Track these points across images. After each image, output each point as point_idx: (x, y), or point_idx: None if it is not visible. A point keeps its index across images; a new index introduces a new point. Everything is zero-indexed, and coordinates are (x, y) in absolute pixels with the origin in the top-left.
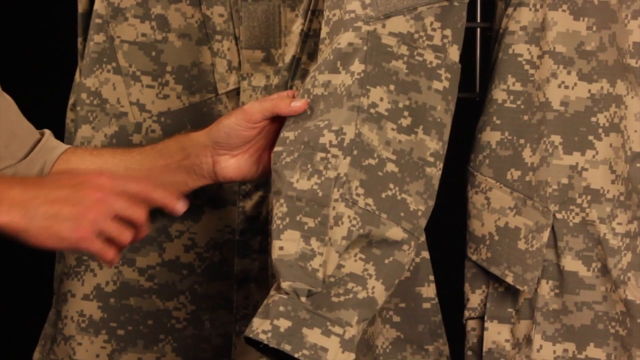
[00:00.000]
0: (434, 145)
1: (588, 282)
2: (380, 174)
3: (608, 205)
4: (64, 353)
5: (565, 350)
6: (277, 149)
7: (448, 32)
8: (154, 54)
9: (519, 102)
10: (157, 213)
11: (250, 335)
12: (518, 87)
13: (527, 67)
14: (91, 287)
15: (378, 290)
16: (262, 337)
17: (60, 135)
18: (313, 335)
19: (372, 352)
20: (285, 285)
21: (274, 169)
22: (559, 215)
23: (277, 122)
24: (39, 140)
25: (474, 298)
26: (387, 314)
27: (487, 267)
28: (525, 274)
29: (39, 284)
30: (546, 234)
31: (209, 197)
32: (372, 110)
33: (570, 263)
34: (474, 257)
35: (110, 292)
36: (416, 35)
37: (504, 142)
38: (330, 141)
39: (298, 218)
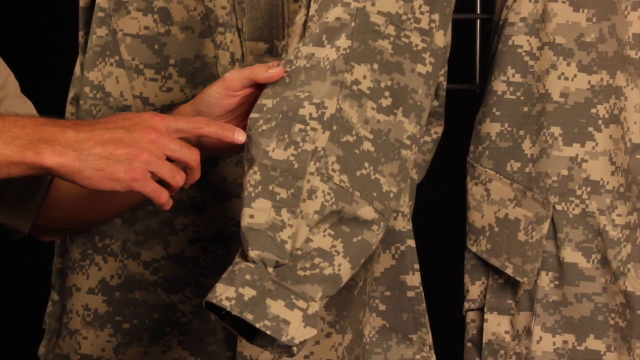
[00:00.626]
0: (412, 128)
1: (588, 273)
2: (357, 152)
3: (608, 197)
4: (70, 347)
5: (565, 342)
6: (253, 115)
7: (436, 16)
8: (157, 47)
9: (519, 94)
10: None
11: (214, 302)
12: (518, 78)
13: (527, 58)
14: (96, 281)
15: (344, 268)
16: (226, 304)
17: None
18: (277, 307)
19: (362, 342)
20: (253, 254)
21: (249, 136)
22: (559, 207)
23: (259, 92)
24: None
25: (474, 290)
26: (373, 303)
27: (487, 258)
28: (525, 266)
29: (38, 278)
30: (546, 226)
31: (213, 191)
32: (354, 88)
33: (570, 255)
34: (474, 249)
35: (116, 286)
36: (404, 17)
37: (504, 134)
38: (310, 114)
39: (271, 188)
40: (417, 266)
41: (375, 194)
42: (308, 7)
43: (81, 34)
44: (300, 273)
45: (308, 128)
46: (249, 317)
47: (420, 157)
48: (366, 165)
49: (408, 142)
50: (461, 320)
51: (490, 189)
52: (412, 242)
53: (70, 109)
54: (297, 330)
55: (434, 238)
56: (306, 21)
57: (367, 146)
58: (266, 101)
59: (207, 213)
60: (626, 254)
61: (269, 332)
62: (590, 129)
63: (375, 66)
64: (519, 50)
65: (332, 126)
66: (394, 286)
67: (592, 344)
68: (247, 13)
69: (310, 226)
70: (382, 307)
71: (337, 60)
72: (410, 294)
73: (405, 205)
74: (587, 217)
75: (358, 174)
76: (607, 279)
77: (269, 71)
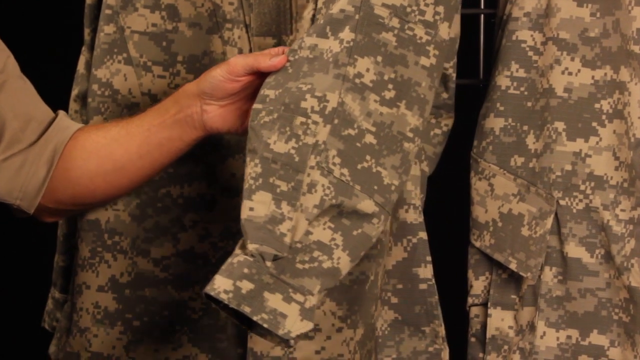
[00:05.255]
0: (414, 121)
1: (591, 268)
2: (358, 145)
3: (612, 192)
4: (80, 345)
5: (569, 337)
6: (256, 106)
7: (440, 8)
8: (164, 44)
9: (522, 89)
10: (170, 204)
11: (212, 294)
12: (521, 73)
13: (530, 53)
14: (106, 278)
15: (343, 261)
16: (223, 296)
17: None
18: (274, 300)
19: (375, 335)
20: (252, 247)
21: (252, 127)
22: (562, 202)
23: (261, 78)
24: (52, 122)
25: (478, 285)
26: (385, 296)
27: (490, 253)
28: (529, 261)
29: (38, 276)
30: (550, 221)
31: (223, 187)
32: (357, 81)
33: (574, 250)
34: (478, 244)
35: (125, 284)
36: (409, 9)
37: (507, 129)
38: (312, 107)
39: (271, 180)
40: (429, 258)
41: (375, 187)
42: (315, 1)
43: (87, 31)
44: (299, 266)
45: (309, 121)
46: (247, 309)
47: (431, 149)
48: (367, 158)
49: (410, 135)
50: (465, 315)
51: (494, 183)
52: (423, 235)
53: (73, 106)
54: (294, 324)
55: (437, 233)
56: (314, 15)
57: (369, 139)
58: (269, 91)
59: (216, 209)
60: (630, 248)
61: (265, 325)
62: (594, 124)
63: (379, 58)
64: (523, 45)
65: (333, 120)
66: (406, 279)
67: (596, 338)
68: (254, 8)
69: (309, 219)
70: (394, 300)
71: (340, 52)
72: (422, 286)
73: (417, 197)
74: (590, 212)
75: (359, 167)
76: (610, 273)
77: (272, 59)
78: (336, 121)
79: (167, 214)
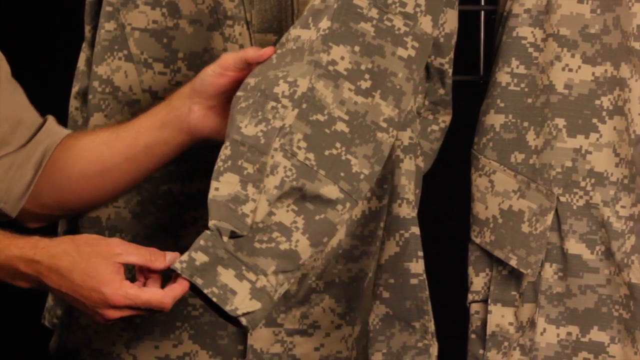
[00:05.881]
0: (389, 111)
1: (592, 265)
2: (327, 131)
3: (612, 189)
4: (80, 342)
5: (569, 334)
6: (238, 93)
7: (422, 1)
8: (165, 40)
9: (522, 85)
10: (170, 201)
11: (171, 265)
12: (522, 70)
13: (531, 50)
14: None
15: (302, 244)
16: (177, 265)
17: (63, 123)
18: (226, 276)
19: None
20: (211, 223)
21: (230, 113)
22: (562, 199)
23: None
24: (41, 126)
25: (478, 281)
26: (377, 290)
27: (490, 250)
28: (529, 257)
29: None
30: (550, 217)
31: None
32: (330, 68)
33: (574, 246)
34: (478, 240)
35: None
36: (390, 1)
37: (507, 125)
38: (283, 91)
39: (239, 163)
40: (420, 253)
41: (342, 174)
42: None
43: (88, 27)
44: (257, 245)
45: (279, 105)
46: (199, 281)
47: (428, 145)
48: (338, 145)
49: (384, 125)
50: (465, 312)
51: (494, 180)
52: (416, 229)
53: (74, 103)
54: (242, 302)
55: (437, 229)
56: None
57: (341, 126)
58: (250, 79)
59: None
60: (630, 245)
61: (214, 299)
62: (594, 121)
63: (357, 48)
64: (523, 42)
65: (301, 104)
66: (397, 273)
67: (596, 335)
68: (255, 5)
69: (270, 201)
70: (386, 295)
71: (315, 40)
72: (414, 281)
73: (410, 192)
74: (590, 209)
75: (326, 152)
76: (610, 270)
77: (259, 51)
78: (304, 105)
79: (167, 211)
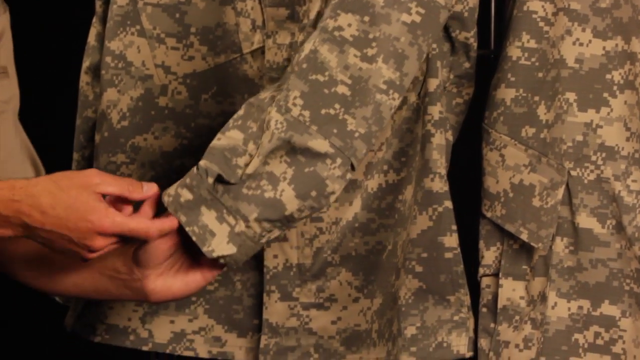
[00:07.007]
0: (389, 73)
1: (603, 239)
2: (326, 91)
3: (623, 163)
4: (95, 317)
5: (580, 307)
6: None
7: None
8: (177, 15)
9: (533, 60)
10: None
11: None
12: (533, 44)
13: (541, 24)
14: None
15: (287, 194)
16: (165, 198)
17: (74, 98)
18: (208, 217)
19: (396, 304)
20: (201, 163)
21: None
22: (573, 173)
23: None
24: None
25: (489, 255)
26: (409, 264)
27: (501, 224)
28: (540, 231)
29: None
30: (561, 191)
31: None
32: (336, 33)
33: (585, 220)
34: (489, 214)
35: None
36: None
37: (518, 99)
38: (293, 60)
39: (248, 123)
40: (454, 227)
41: (335, 131)
42: None
43: (99, 3)
44: (244, 191)
45: (288, 70)
46: (182, 218)
47: (454, 118)
48: (336, 106)
49: (384, 87)
50: (476, 286)
51: (505, 154)
52: (449, 203)
53: (85, 78)
54: (219, 244)
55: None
56: None
57: (342, 89)
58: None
59: None
60: None
61: (194, 238)
62: (605, 95)
63: (366, 18)
64: (534, 16)
65: (302, 64)
66: (431, 247)
67: (607, 309)
68: None
69: (262, 154)
70: (419, 269)
71: (327, 8)
72: (448, 254)
73: (442, 166)
74: (601, 183)
75: (323, 111)
76: (622, 244)
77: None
78: (304, 65)
79: None
